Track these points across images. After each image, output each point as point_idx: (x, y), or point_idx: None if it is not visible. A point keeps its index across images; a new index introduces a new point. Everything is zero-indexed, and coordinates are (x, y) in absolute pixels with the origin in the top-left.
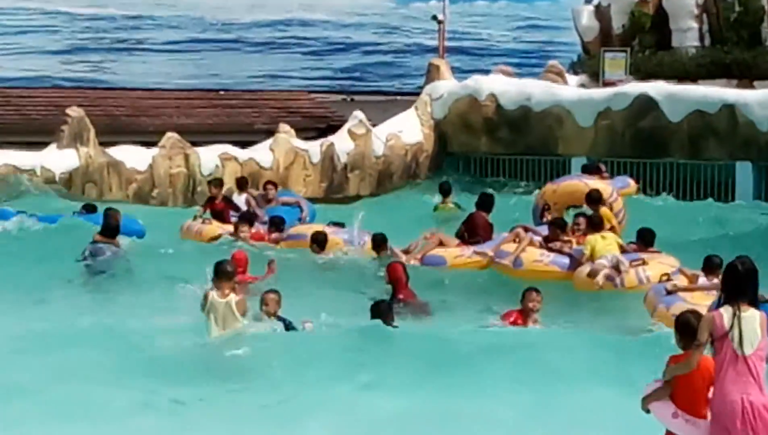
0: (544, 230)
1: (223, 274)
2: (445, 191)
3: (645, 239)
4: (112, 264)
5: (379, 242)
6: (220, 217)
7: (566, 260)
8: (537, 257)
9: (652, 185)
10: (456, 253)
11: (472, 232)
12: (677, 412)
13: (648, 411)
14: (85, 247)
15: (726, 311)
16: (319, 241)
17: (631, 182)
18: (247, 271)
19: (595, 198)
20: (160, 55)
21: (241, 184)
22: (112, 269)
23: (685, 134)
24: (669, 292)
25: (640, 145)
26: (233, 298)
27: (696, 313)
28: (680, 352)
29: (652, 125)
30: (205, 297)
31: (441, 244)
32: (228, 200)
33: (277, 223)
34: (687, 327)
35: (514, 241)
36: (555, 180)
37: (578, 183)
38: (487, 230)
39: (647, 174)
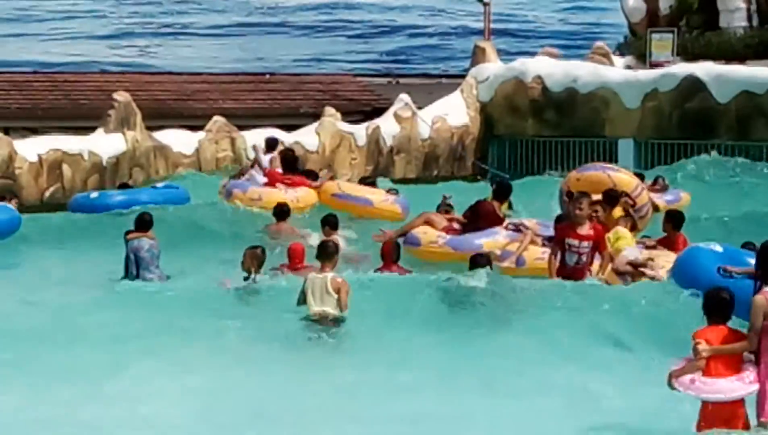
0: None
1: (324, 253)
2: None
3: (674, 221)
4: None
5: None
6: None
7: None
8: (539, 255)
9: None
10: (433, 237)
11: (474, 219)
12: (694, 378)
13: (673, 387)
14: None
15: None
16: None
17: (684, 196)
18: (304, 261)
19: (612, 196)
20: (205, 39)
21: (271, 144)
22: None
23: (733, 115)
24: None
25: (688, 127)
26: (330, 275)
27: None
28: (704, 325)
29: (700, 106)
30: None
31: (428, 223)
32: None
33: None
34: (722, 302)
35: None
36: (580, 168)
37: (602, 175)
38: (492, 220)
39: (695, 155)
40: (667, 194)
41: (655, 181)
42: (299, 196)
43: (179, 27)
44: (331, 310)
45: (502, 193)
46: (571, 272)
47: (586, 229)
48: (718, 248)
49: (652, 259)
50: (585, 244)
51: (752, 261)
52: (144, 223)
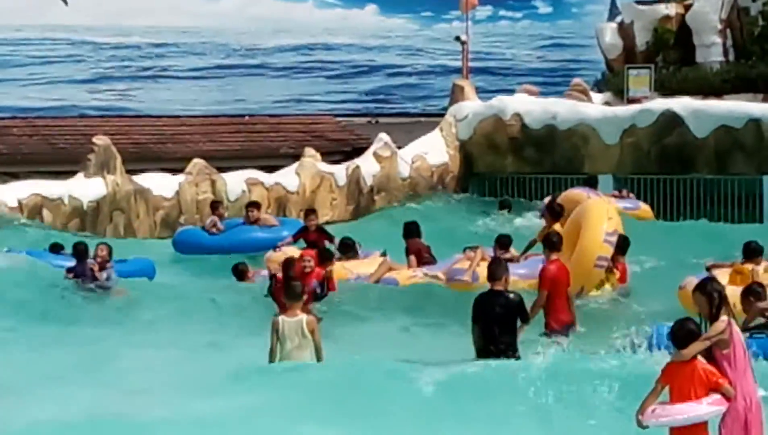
0: None
1: (293, 295)
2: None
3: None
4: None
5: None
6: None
7: (522, 270)
8: None
9: (679, 202)
10: (408, 274)
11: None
12: (655, 407)
13: (640, 424)
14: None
15: None
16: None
17: (643, 206)
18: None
19: (554, 210)
20: (184, 82)
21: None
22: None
23: (711, 150)
24: None
25: (666, 162)
26: (304, 318)
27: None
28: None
29: (678, 141)
30: (275, 322)
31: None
32: (322, 230)
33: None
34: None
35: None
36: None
37: (581, 193)
38: (427, 251)
39: (673, 190)
40: (626, 202)
41: (620, 190)
42: None
43: (158, 70)
44: (307, 359)
45: (411, 231)
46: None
47: None
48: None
49: None
50: None
51: None
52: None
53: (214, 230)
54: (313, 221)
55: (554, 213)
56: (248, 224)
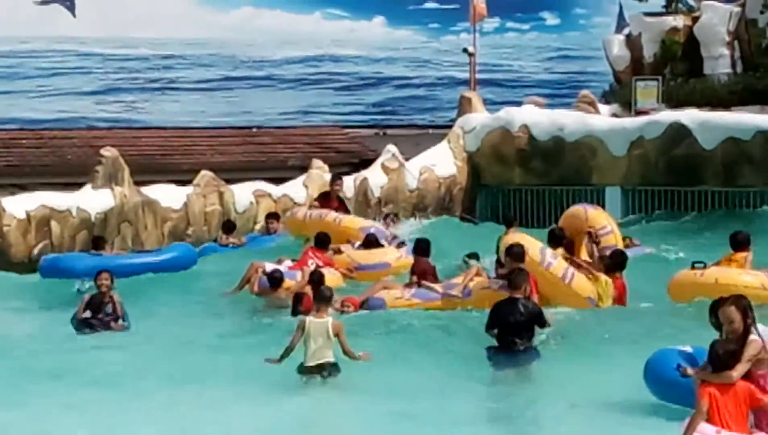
0: None
1: (322, 298)
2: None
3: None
4: None
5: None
6: None
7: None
8: (485, 285)
9: (687, 212)
10: (396, 295)
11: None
12: (720, 430)
13: None
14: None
15: None
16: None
17: (647, 251)
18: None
19: (555, 236)
20: (192, 94)
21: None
22: None
23: (719, 162)
24: None
25: (674, 174)
26: (330, 320)
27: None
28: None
29: (686, 153)
30: (302, 322)
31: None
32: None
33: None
34: (727, 354)
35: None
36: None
37: (580, 209)
38: (432, 273)
39: (681, 202)
40: (634, 250)
41: (628, 239)
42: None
43: (166, 82)
44: (330, 357)
45: (423, 249)
46: None
47: None
48: (687, 349)
49: None
50: None
51: None
52: None
53: (233, 242)
54: (338, 186)
55: (555, 238)
56: (267, 235)
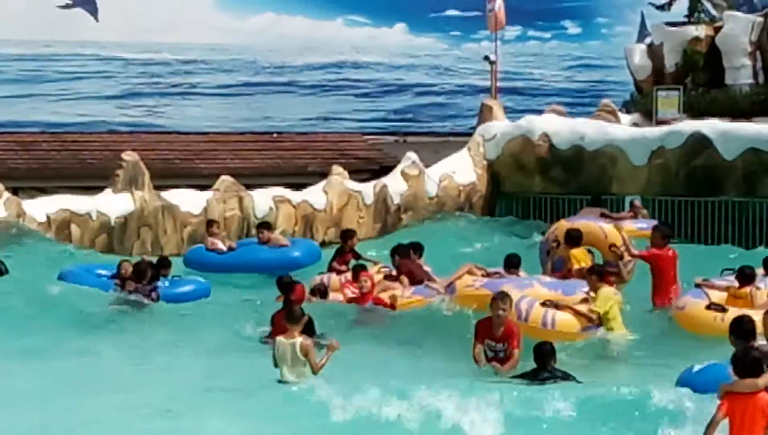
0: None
1: (291, 317)
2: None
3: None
4: None
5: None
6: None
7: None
8: (468, 283)
9: (707, 224)
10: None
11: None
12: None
13: None
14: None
15: None
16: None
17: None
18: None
19: (573, 237)
20: (213, 99)
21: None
22: None
23: (739, 172)
24: None
25: (695, 184)
26: (299, 341)
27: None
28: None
29: (707, 163)
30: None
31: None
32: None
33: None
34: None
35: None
36: (571, 217)
37: (593, 225)
38: (423, 271)
39: (701, 213)
40: (640, 222)
41: (634, 210)
42: None
43: (187, 87)
44: (305, 375)
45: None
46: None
47: (501, 331)
48: None
49: None
50: (500, 345)
51: None
52: None
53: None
54: (352, 241)
55: (572, 239)
56: (260, 244)
